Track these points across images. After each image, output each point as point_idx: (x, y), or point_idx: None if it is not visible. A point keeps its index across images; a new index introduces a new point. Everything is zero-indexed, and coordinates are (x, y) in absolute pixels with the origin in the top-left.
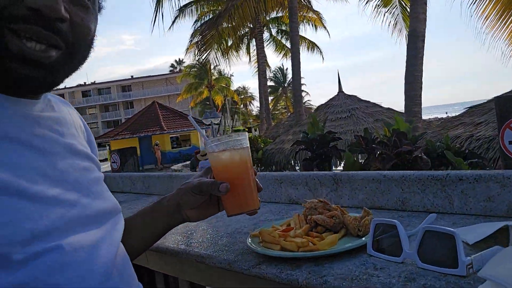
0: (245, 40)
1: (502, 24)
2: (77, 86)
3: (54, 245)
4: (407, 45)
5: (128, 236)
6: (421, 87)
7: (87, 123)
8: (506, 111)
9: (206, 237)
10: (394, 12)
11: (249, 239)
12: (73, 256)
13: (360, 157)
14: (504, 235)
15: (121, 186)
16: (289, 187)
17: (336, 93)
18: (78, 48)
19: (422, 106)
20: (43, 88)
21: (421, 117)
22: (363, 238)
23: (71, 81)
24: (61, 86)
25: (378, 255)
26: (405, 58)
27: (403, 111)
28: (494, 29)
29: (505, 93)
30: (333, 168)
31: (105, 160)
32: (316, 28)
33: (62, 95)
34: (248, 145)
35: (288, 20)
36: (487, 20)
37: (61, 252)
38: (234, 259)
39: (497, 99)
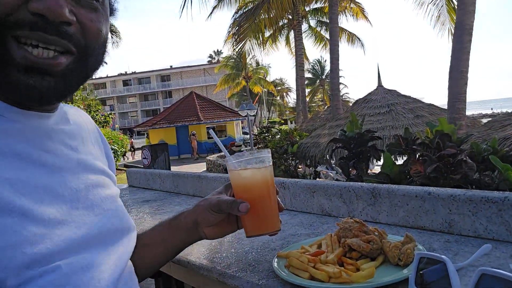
0: (284, 31)
1: None
2: (119, 75)
3: (52, 266)
4: (453, 39)
5: (144, 250)
6: (466, 83)
7: (127, 112)
8: None
9: (230, 252)
10: (438, 3)
11: (276, 261)
12: (72, 278)
13: (398, 157)
14: None
15: (151, 183)
16: (322, 197)
17: (375, 87)
18: (91, 52)
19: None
20: (55, 98)
21: (465, 114)
22: (404, 270)
23: (112, 70)
24: (103, 74)
25: None
26: (450, 52)
27: (446, 107)
28: None
29: None
30: (370, 168)
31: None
32: (357, 19)
33: (104, 84)
34: (271, 163)
35: (328, 10)
36: None
37: (58, 274)
38: (257, 283)
39: None
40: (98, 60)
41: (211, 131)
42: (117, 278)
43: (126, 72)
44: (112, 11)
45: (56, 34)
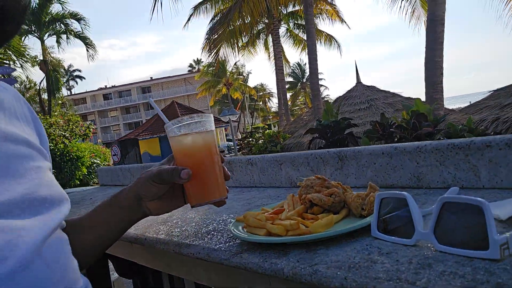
0: (262, 36)
1: None
2: (98, 89)
3: None
4: (426, 30)
5: (89, 231)
6: (442, 73)
7: (109, 126)
8: None
9: (191, 225)
10: None
11: (232, 224)
12: None
13: (377, 143)
14: None
15: (121, 179)
16: (290, 168)
17: (354, 85)
18: (9, 15)
19: (444, 96)
20: None
21: (443, 104)
22: (367, 218)
23: (92, 85)
24: (83, 90)
25: (385, 237)
26: (425, 44)
27: (416, 98)
28: None
29: None
30: None
31: None
32: (332, 22)
33: (84, 99)
34: (214, 128)
35: (303, 12)
36: (509, 2)
37: None
38: (214, 248)
39: None
40: (16, 23)
41: (150, 99)
42: (37, 244)
43: (106, 86)
44: None
45: None
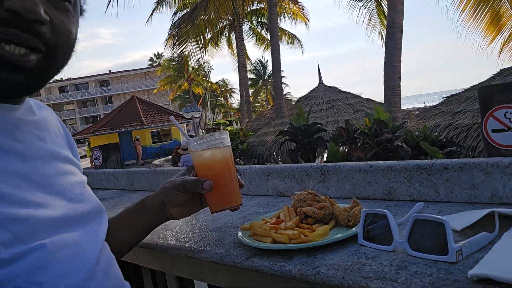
0: (225, 33)
1: (477, 17)
2: (53, 82)
3: (37, 244)
4: (386, 36)
5: (114, 236)
6: (400, 78)
7: (65, 120)
8: (488, 101)
9: (195, 232)
10: (369, 6)
11: (240, 233)
12: (57, 255)
13: (342, 148)
14: (490, 222)
15: (104, 183)
16: (276, 179)
17: (316, 85)
18: (60, 51)
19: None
20: (23, 92)
21: (400, 107)
22: (353, 229)
23: None
24: None
25: (369, 245)
26: (384, 49)
27: (383, 102)
28: (470, 21)
29: (483, 82)
30: (317, 159)
31: (85, 156)
32: (295, 20)
33: (38, 92)
34: (230, 143)
35: (267, 11)
36: (463, 12)
37: (44, 251)
38: (225, 252)
39: (480, 89)
40: (66, 58)
41: (172, 118)
42: (97, 254)
43: (61, 78)
44: (81, 12)
45: (28, 31)
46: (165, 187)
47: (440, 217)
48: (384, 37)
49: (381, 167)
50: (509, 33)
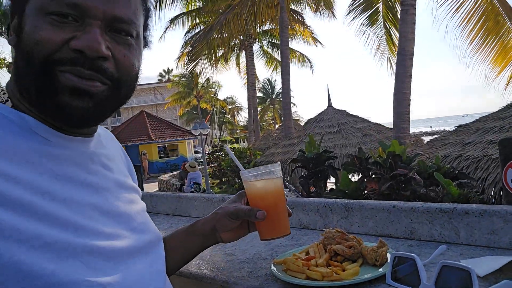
0: (235, 51)
1: (486, 48)
2: None
3: (110, 278)
4: (396, 63)
5: (166, 254)
6: (409, 104)
7: None
8: (509, 152)
9: (226, 263)
10: (378, 33)
11: (273, 267)
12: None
13: (353, 175)
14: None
15: None
16: (300, 212)
17: (325, 107)
18: (124, 83)
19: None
20: (92, 121)
21: (409, 132)
22: (381, 269)
23: None
24: None
25: (397, 285)
26: (393, 75)
27: (391, 126)
28: (478, 52)
29: (493, 113)
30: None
31: None
32: (307, 42)
33: None
34: (281, 175)
35: (278, 33)
36: (471, 43)
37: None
38: (260, 285)
39: (501, 141)
40: (130, 89)
41: (226, 147)
42: (163, 280)
43: None
44: (146, 43)
45: (92, 68)
46: (217, 213)
47: (467, 265)
48: (392, 64)
49: (403, 207)
50: None
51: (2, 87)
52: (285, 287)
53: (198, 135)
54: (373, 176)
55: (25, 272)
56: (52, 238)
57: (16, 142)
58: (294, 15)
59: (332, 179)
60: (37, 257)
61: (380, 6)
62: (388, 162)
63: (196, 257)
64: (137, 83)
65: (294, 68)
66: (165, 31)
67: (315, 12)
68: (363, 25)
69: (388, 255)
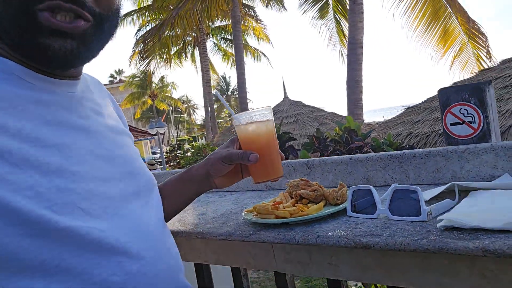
0: (189, 48)
1: (429, 32)
2: None
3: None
4: (348, 52)
5: (162, 202)
6: (362, 91)
7: None
8: (447, 100)
9: (199, 220)
10: (329, 25)
11: (244, 214)
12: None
13: (313, 155)
14: (452, 193)
15: None
16: None
17: (281, 99)
18: (106, 18)
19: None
20: (77, 62)
21: (363, 119)
22: (341, 205)
23: None
24: None
25: (357, 215)
26: (346, 64)
27: (345, 115)
28: (423, 38)
29: None
30: None
31: None
32: (258, 40)
33: None
34: (273, 118)
35: (231, 28)
36: (416, 29)
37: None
38: (232, 231)
39: (440, 90)
40: (113, 25)
41: (216, 92)
42: (161, 224)
43: None
44: None
45: (71, 2)
46: (210, 158)
47: (415, 186)
48: (344, 55)
49: (360, 158)
50: (458, 47)
51: None
52: (257, 228)
53: (155, 134)
54: (330, 151)
55: (22, 219)
56: (46, 186)
57: (1, 86)
58: (246, 9)
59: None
60: (32, 205)
61: None
62: (344, 137)
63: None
64: (119, 18)
65: (249, 62)
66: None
67: (266, 6)
68: (314, 17)
69: (348, 194)
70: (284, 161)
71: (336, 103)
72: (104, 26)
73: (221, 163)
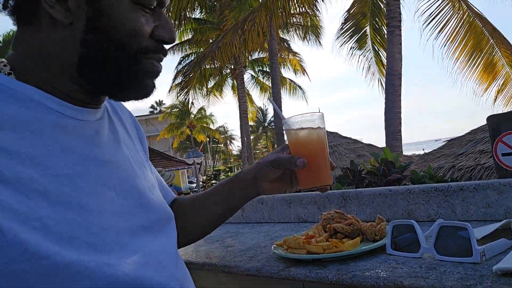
0: (228, 81)
1: (471, 65)
2: None
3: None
4: (385, 83)
5: (206, 211)
6: (401, 123)
7: None
8: (497, 128)
9: (226, 252)
10: (367, 55)
11: (274, 248)
12: (131, 265)
13: (347, 188)
14: (507, 231)
15: None
16: (298, 206)
17: None
18: None
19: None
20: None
21: (402, 151)
22: (380, 241)
23: None
24: None
25: (397, 253)
26: (384, 95)
27: (384, 147)
28: (465, 69)
29: (480, 127)
30: None
31: None
32: (296, 72)
33: None
34: (325, 125)
35: (268, 60)
36: (457, 61)
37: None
38: (261, 266)
39: (489, 118)
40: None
41: (270, 99)
42: (175, 258)
43: None
44: None
45: (165, 54)
46: (259, 163)
47: (465, 222)
48: (383, 83)
49: (400, 190)
50: (502, 81)
51: (2, 60)
52: (287, 264)
53: (192, 164)
54: (366, 184)
55: (30, 253)
56: (54, 218)
57: (18, 112)
58: (282, 43)
59: None
60: (40, 238)
61: (368, 29)
62: (381, 169)
63: (194, 251)
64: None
65: (286, 96)
66: None
67: (303, 40)
68: (353, 48)
69: (387, 229)
70: (318, 193)
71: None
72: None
73: (269, 167)
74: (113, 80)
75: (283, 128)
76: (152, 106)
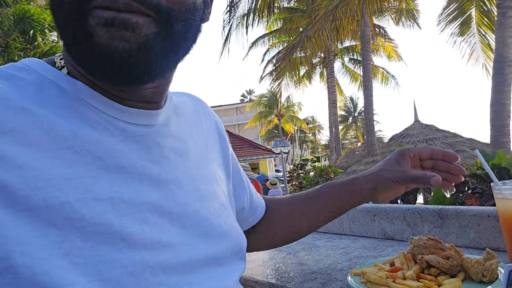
0: (318, 69)
1: None
2: None
3: None
4: (493, 72)
5: (307, 218)
6: (510, 116)
7: None
8: None
9: (297, 272)
10: (471, 41)
11: (350, 278)
12: None
13: (446, 191)
14: None
15: None
16: (383, 220)
17: (411, 123)
18: (175, 16)
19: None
20: (142, 66)
21: (510, 148)
22: (490, 286)
23: None
24: None
25: None
26: (490, 85)
27: (488, 142)
28: None
29: None
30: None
31: None
32: (390, 59)
33: None
34: None
35: (360, 48)
36: None
37: None
38: None
39: None
40: (187, 26)
41: (477, 151)
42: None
43: None
44: None
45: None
46: (381, 175)
47: None
48: (489, 70)
49: None
50: None
51: (60, 53)
52: None
53: (279, 153)
54: (471, 190)
55: None
56: (85, 255)
57: (58, 122)
58: (376, 29)
59: (420, 200)
60: (64, 280)
61: (473, 12)
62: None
63: (262, 265)
64: (200, 22)
65: (378, 86)
66: (248, 51)
67: (397, 24)
68: (453, 34)
69: (500, 270)
70: (409, 205)
71: (476, 129)
72: (173, 26)
73: (395, 182)
74: (70, 50)
75: (493, 195)
76: (242, 95)
